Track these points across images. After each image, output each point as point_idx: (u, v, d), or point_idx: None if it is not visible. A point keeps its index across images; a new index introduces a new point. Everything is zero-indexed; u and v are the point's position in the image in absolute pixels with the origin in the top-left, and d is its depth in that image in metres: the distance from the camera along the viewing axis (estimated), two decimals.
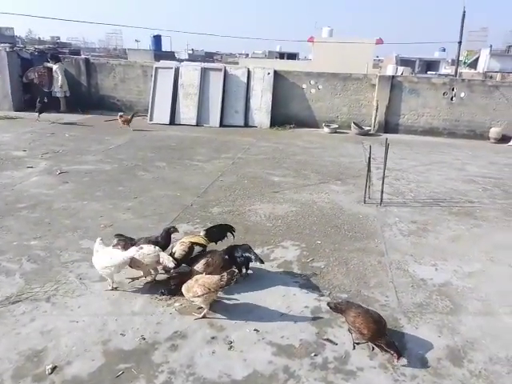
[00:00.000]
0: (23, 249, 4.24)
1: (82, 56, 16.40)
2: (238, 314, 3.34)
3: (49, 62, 12.57)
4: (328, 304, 3.26)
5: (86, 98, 13.10)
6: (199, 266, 3.59)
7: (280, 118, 12.04)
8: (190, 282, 3.32)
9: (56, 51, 14.22)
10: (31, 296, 3.45)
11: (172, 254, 3.75)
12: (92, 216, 5.13)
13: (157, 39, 29.80)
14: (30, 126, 10.35)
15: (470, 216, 5.71)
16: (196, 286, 3.23)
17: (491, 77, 23.37)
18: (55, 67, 12.38)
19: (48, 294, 3.49)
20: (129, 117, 10.60)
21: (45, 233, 4.61)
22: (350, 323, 3.04)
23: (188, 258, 3.77)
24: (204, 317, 3.26)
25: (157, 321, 3.22)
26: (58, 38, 50.30)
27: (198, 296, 3.21)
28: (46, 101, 11.25)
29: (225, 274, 3.29)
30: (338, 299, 3.51)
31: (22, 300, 3.39)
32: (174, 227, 4.07)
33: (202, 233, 4.05)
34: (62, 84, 12.39)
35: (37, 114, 10.89)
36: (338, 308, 3.16)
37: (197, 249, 3.92)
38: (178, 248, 3.80)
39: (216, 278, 3.26)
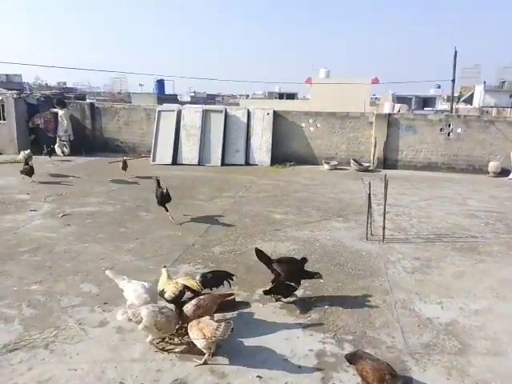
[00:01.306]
0: (23, 294, 4.20)
1: (87, 101, 16.94)
2: (241, 359, 3.25)
3: (55, 107, 13.07)
4: (345, 356, 3.13)
5: (90, 141, 13.45)
6: (189, 307, 3.50)
7: (280, 156, 12.25)
8: (193, 321, 3.27)
9: (62, 96, 14.73)
10: (29, 343, 3.38)
11: (162, 293, 3.73)
12: (93, 259, 5.11)
13: (160, 83, 30.74)
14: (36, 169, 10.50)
15: (474, 251, 5.66)
16: (195, 329, 3.18)
17: (487, 112, 23.88)
18: (61, 113, 12.84)
19: (47, 340, 3.43)
20: (125, 160, 9.90)
21: (46, 277, 4.58)
22: (358, 371, 2.94)
23: (178, 300, 3.70)
24: (205, 363, 3.17)
25: (157, 368, 3.14)
26: (64, 84, 51.96)
27: (196, 339, 3.15)
28: (165, 192, 6.72)
29: (222, 323, 3.18)
30: (353, 349, 3.31)
31: (20, 348, 3.32)
32: (304, 258, 4.35)
33: (198, 277, 3.98)
34: (66, 129, 12.85)
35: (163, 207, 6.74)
36: (352, 359, 3.03)
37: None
38: (170, 289, 3.74)
39: (214, 325, 3.16)
